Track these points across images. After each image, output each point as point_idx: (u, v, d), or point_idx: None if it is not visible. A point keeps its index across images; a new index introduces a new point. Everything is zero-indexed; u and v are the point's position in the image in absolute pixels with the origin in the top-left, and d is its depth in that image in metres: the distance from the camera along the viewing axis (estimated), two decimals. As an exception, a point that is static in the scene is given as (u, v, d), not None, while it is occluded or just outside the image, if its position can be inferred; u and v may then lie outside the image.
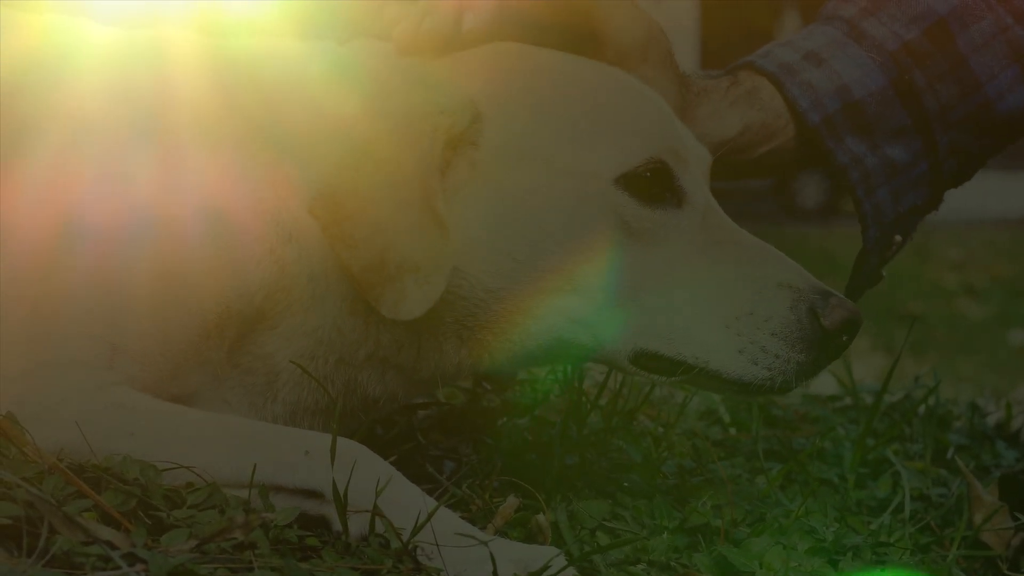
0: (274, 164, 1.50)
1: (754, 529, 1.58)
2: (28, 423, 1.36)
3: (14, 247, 1.44)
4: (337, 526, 1.34)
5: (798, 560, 1.50)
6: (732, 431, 2.11)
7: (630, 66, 1.61)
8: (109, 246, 1.44)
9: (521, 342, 1.53)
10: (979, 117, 1.78)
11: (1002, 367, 5.21)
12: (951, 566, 1.59)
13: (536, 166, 1.50)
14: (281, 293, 1.50)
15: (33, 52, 1.57)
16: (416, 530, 1.31)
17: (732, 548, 1.50)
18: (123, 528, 1.27)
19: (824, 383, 2.43)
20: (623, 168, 1.50)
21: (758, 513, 1.64)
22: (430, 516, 1.31)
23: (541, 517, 1.49)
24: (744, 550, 1.50)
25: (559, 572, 1.30)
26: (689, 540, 1.55)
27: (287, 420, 1.55)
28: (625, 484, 1.69)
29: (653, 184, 1.51)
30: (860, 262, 1.82)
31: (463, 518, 1.38)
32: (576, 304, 1.50)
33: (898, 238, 1.82)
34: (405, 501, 1.35)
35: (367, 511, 1.33)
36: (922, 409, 2.18)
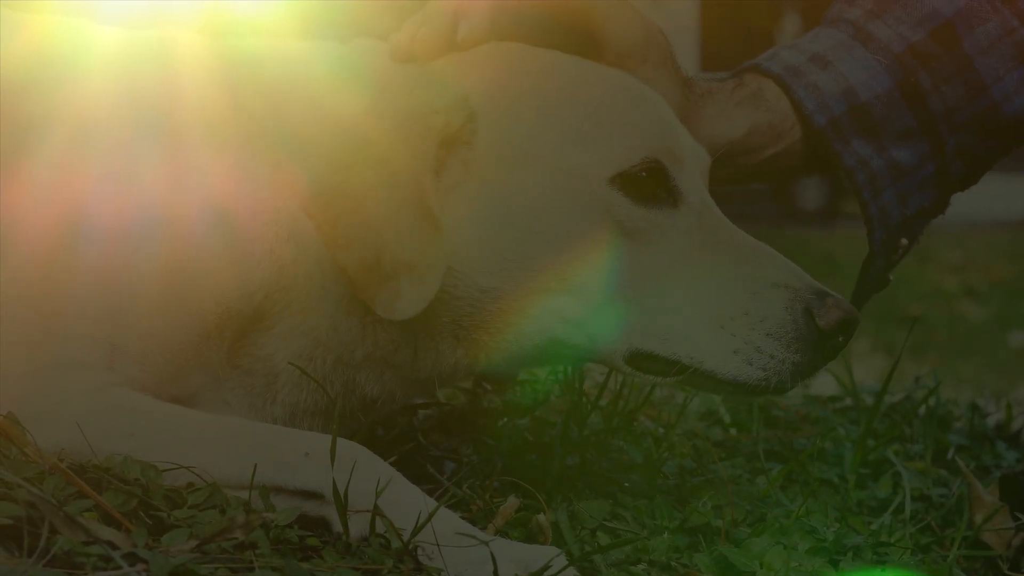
0: (274, 164, 1.50)
1: (755, 529, 1.58)
2: (29, 423, 1.36)
3: (17, 247, 1.44)
4: (337, 527, 1.35)
5: (799, 560, 1.50)
6: (733, 432, 2.11)
7: (630, 67, 1.61)
8: (111, 247, 1.44)
9: (517, 342, 1.53)
10: (985, 119, 1.77)
11: (1002, 368, 5.21)
12: (951, 566, 1.59)
13: (530, 165, 1.50)
14: (280, 293, 1.50)
15: (37, 52, 1.58)
16: (417, 530, 1.31)
17: (733, 548, 1.50)
18: (124, 528, 1.27)
19: (825, 384, 2.43)
20: (618, 168, 1.50)
21: (759, 513, 1.64)
22: (431, 516, 1.31)
23: (542, 517, 1.49)
24: (745, 550, 1.50)
25: (560, 572, 1.30)
26: (690, 540, 1.55)
27: (286, 421, 1.55)
28: (626, 484, 1.69)
29: (648, 184, 1.51)
30: (867, 266, 1.81)
31: (464, 518, 1.38)
32: (571, 304, 1.50)
33: (904, 241, 1.81)
34: (405, 502, 1.35)
35: (367, 511, 1.33)
36: (922, 410, 2.19)
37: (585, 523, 1.55)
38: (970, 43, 1.75)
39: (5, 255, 1.44)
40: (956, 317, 6.83)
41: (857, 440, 1.96)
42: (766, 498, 1.73)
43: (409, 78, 1.55)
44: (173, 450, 1.38)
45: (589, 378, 1.94)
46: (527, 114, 1.52)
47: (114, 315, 1.44)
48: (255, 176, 1.50)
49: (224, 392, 1.52)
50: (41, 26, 1.63)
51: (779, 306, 1.49)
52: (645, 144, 1.51)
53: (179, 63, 1.57)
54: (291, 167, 1.49)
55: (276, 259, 1.50)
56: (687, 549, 1.53)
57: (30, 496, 1.23)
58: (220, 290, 1.48)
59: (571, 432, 1.81)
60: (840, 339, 1.50)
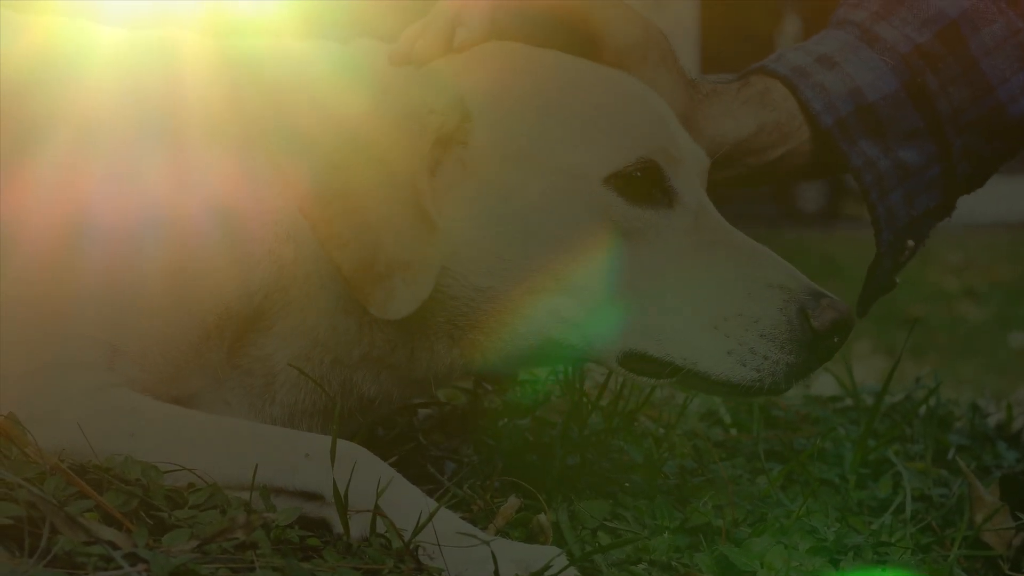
0: (274, 163, 1.50)
1: (755, 529, 1.58)
2: (30, 424, 1.37)
3: (18, 248, 1.44)
4: (338, 528, 1.35)
5: (799, 560, 1.50)
6: (733, 432, 2.11)
7: (629, 67, 1.61)
8: (112, 247, 1.45)
9: (512, 342, 1.53)
10: (991, 120, 1.77)
11: (1002, 369, 5.21)
12: (952, 566, 1.59)
13: (525, 165, 1.49)
14: (279, 293, 1.50)
15: (39, 53, 1.58)
16: (418, 530, 1.31)
17: (733, 548, 1.50)
18: (125, 528, 1.27)
19: (825, 384, 2.43)
20: (613, 168, 1.50)
21: (759, 513, 1.64)
22: (431, 516, 1.31)
23: (542, 517, 1.49)
24: (745, 550, 1.50)
25: (560, 572, 1.30)
26: (690, 540, 1.55)
27: (285, 422, 1.55)
28: (626, 484, 1.69)
29: (644, 184, 1.51)
30: (874, 268, 1.81)
31: (464, 518, 1.38)
32: (565, 304, 1.50)
33: (911, 243, 1.81)
34: (406, 502, 1.35)
35: (368, 511, 1.33)
36: (923, 410, 2.19)
37: (586, 523, 1.56)
38: (976, 44, 1.75)
39: (6, 255, 1.44)
40: (957, 318, 6.83)
41: (858, 440, 1.96)
42: (767, 498, 1.74)
43: (406, 78, 1.55)
44: (173, 451, 1.38)
45: (589, 378, 1.94)
46: (523, 114, 1.51)
47: (115, 316, 1.44)
48: (255, 176, 1.50)
49: (224, 392, 1.53)
50: (43, 27, 1.63)
51: (774, 307, 1.48)
52: (641, 144, 1.51)
53: (180, 63, 1.57)
54: (289, 166, 1.49)
55: (276, 259, 1.50)
56: (688, 549, 1.53)
57: (31, 496, 1.23)
58: (220, 290, 1.48)
59: (572, 432, 1.81)
60: (835, 340, 1.49)
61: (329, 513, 1.36)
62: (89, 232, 1.45)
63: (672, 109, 1.61)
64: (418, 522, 1.31)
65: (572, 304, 1.49)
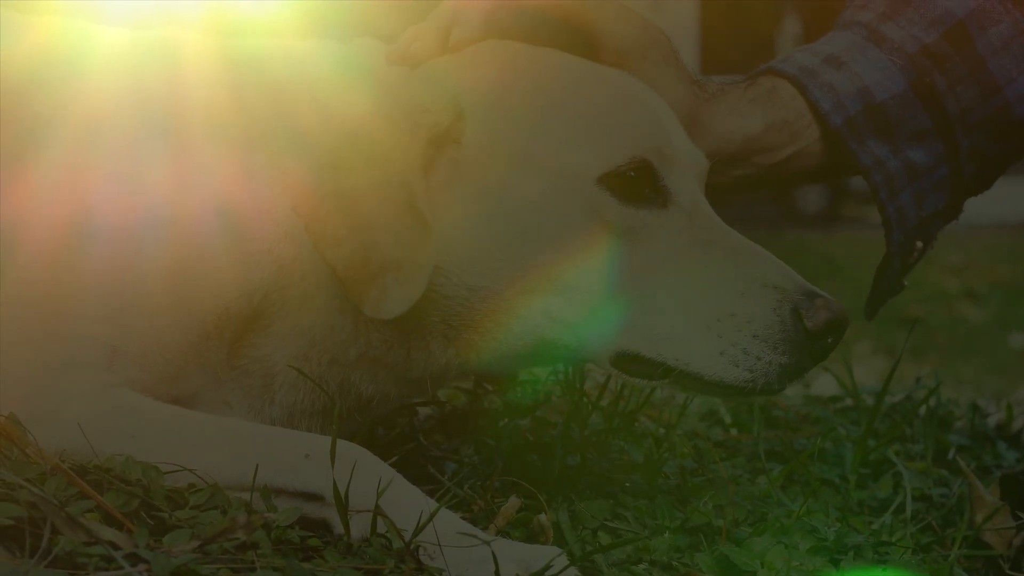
0: (273, 162, 1.50)
1: (756, 529, 1.58)
2: (30, 424, 1.37)
3: (20, 248, 1.44)
4: (338, 529, 1.35)
5: (800, 559, 1.50)
6: (733, 432, 2.11)
7: (630, 66, 1.60)
8: (113, 248, 1.45)
9: (506, 341, 1.52)
10: (998, 120, 1.77)
11: (1002, 369, 5.20)
12: (952, 565, 1.59)
13: (518, 164, 1.49)
14: (278, 292, 1.51)
15: (42, 54, 1.58)
16: (418, 530, 1.31)
17: (734, 547, 1.50)
18: (125, 529, 1.27)
19: (825, 384, 2.43)
20: (605, 167, 1.49)
21: (760, 513, 1.64)
22: (432, 516, 1.32)
23: (543, 517, 1.49)
24: (746, 549, 1.50)
25: (561, 572, 1.30)
26: (691, 540, 1.55)
27: (284, 422, 1.55)
28: (627, 484, 1.69)
29: (637, 184, 1.50)
30: (882, 269, 1.80)
31: (465, 519, 1.38)
32: (558, 304, 1.49)
33: (920, 244, 1.81)
34: (406, 502, 1.35)
35: (368, 511, 1.33)
36: (923, 410, 2.19)
37: (586, 523, 1.56)
38: (983, 44, 1.75)
39: (7, 256, 1.44)
40: (957, 318, 6.83)
41: (858, 440, 1.97)
42: (767, 498, 1.74)
43: (402, 77, 1.55)
44: (173, 451, 1.38)
45: (590, 378, 1.94)
46: (516, 113, 1.51)
47: (115, 316, 1.44)
48: (255, 175, 1.50)
49: (225, 393, 1.53)
50: (45, 27, 1.63)
51: (767, 307, 1.47)
52: (634, 143, 1.51)
53: (180, 63, 1.57)
54: (287, 166, 1.49)
55: (275, 259, 1.50)
56: (688, 549, 1.53)
57: (32, 497, 1.23)
58: (220, 290, 1.48)
59: (572, 432, 1.81)
60: (830, 340, 1.49)
61: (329, 514, 1.36)
62: (90, 232, 1.45)
63: (676, 107, 1.61)
64: (419, 522, 1.31)
65: (565, 304, 1.49)
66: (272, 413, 1.55)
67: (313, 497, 1.37)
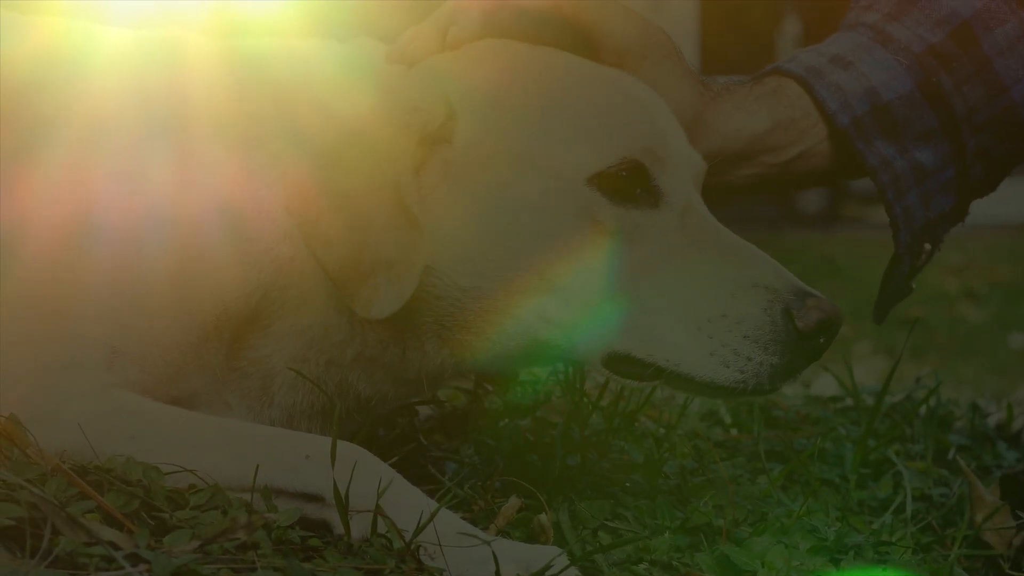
0: (272, 162, 1.50)
1: (756, 528, 1.58)
2: (31, 425, 1.37)
3: (21, 250, 1.44)
4: (339, 530, 1.35)
5: (800, 559, 1.50)
6: (734, 432, 2.11)
7: (629, 65, 1.60)
8: (114, 249, 1.45)
9: (500, 342, 1.52)
10: (1004, 120, 1.77)
11: (1002, 369, 5.20)
12: (952, 565, 1.59)
13: (509, 164, 1.49)
14: (276, 292, 1.50)
15: (44, 54, 1.58)
16: (419, 530, 1.31)
17: (734, 547, 1.50)
18: (126, 529, 1.27)
19: (825, 384, 2.43)
20: (596, 167, 1.49)
21: (760, 513, 1.64)
22: (432, 516, 1.32)
23: (543, 517, 1.49)
24: (746, 549, 1.50)
25: (561, 572, 1.30)
26: (691, 540, 1.55)
27: (284, 424, 1.55)
28: (627, 484, 1.69)
29: (628, 184, 1.50)
30: (890, 272, 1.80)
31: (465, 519, 1.38)
32: (549, 304, 1.49)
33: (927, 246, 1.81)
34: (406, 503, 1.35)
35: (369, 511, 1.33)
36: (923, 410, 2.19)
37: (586, 523, 1.56)
38: (989, 44, 1.75)
39: (9, 257, 1.44)
40: (957, 319, 6.82)
41: (858, 440, 1.97)
42: (767, 498, 1.74)
43: (397, 77, 1.55)
44: (174, 452, 1.38)
45: (590, 379, 1.94)
46: (507, 112, 1.51)
47: (115, 317, 1.45)
48: (254, 175, 1.50)
49: (225, 394, 1.53)
50: (47, 28, 1.63)
51: (757, 307, 1.47)
52: (625, 144, 1.50)
53: (180, 63, 1.57)
54: (282, 165, 1.49)
55: (274, 258, 1.50)
56: (688, 548, 1.53)
57: (32, 497, 1.23)
58: (220, 290, 1.48)
59: (572, 432, 1.81)
60: (822, 340, 1.48)
61: (330, 514, 1.36)
62: (91, 233, 1.45)
63: (680, 106, 1.60)
64: (419, 522, 1.31)
65: (557, 304, 1.49)
66: (271, 415, 1.55)
67: (313, 498, 1.37)
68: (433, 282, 1.49)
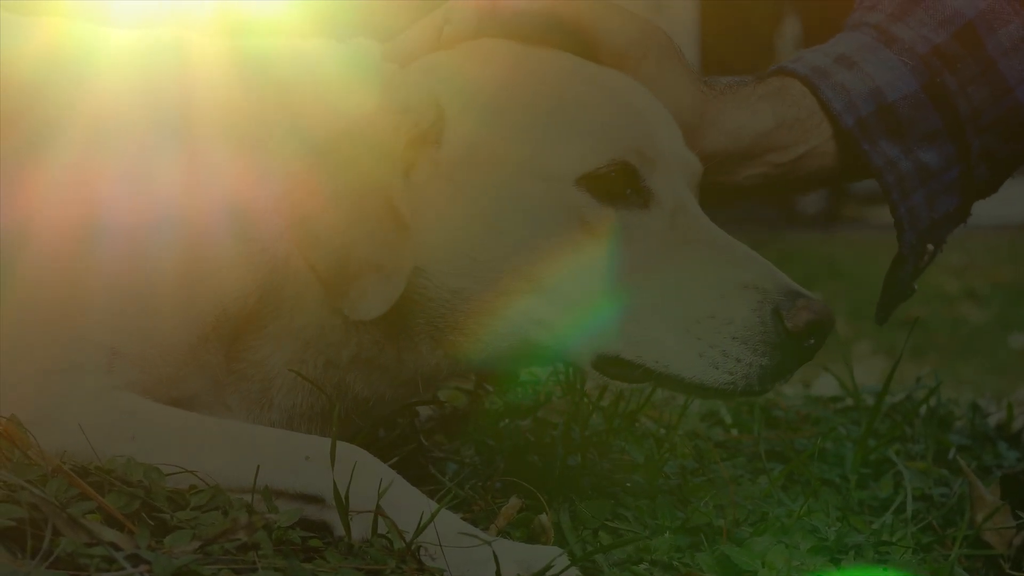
0: (269, 161, 1.50)
1: (756, 528, 1.58)
2: (31, 426, 1.37)
3: (22, 252, 1.44)
4: (339, 531, 1.35)
5: (800, 559, 1.50)
6: (734, 432, 2.11)
7: (628, 66, 1.60)
8: (115, 250, 1.45)
9: (492, 343, 1.51)
10: (1008, 121, 1.77)
11: (1002, 369, 5.20)
12: (953, 565, 1.59)
13: (498, 166, 1.49)
14: (273, 293, 1.50)
15: (47, 55, 1.58)
16: (419, 530, 1.31)
17: (734, 547, 1.50)
18: (127, 530, 1.28)
19: (826, 385, 2.43)
20: (585, 168, 1.48)
21: (760, 513, 1.64)
22: (433, 517, 1.32)
23: (543, 517, 1.49)
24: (746, 549, 1.50)
25: (562, 572, 1.30)
26: (691, 540, 1.55)
27: (284, 426, 1.55)
28: (627, 484, 1.69)
29: (617, 185, 1.49)
30: (893, 273, 1.80)
31: (465, 519, 1.38)
32: (539, 305, 1.48)
33: (931, 247, 1.81)
34: (407, 503, 1.35)
35: (369, 511, 1.33)
36: (923, 410, 2.19)
37: (587, 523, 1.56)
38: (992, 45, 1.75)
39: (10, 259, 1.44)
40: (957, 319, 6.82)
41: (858, 440, 1.97)
42: (768, 498, 1.74)
43: (391, 77, 1.55)
44: (174, 453, 1.38)
45: (591, 379, 1.94)
46: (496, 114, 1.50)
47: (116, 318, 1.45)
48: (254, 174, 1.50)
49: (226, 396, 1.53)
50: (50, 29, 1.63)
51: (747, 308, 1.45)
52: (614, 145, 1.49)
53: (181, 63, 1.57)
54: (276, 164, 1.49)
55: (270, 258, 1.50)
56: (689, 549, 1.53)
57: (33, 498, 1.23)
58: (219, 291, 1.48)
59: (573, 433, 1.81)
60: (812, 341, 1.46)
61: (330, 516, 1.36)
62: (93, 235, 1.45)
63: (681, 105, 1.60)
64: (419, 523, 1.32)
65: (546, 305, 1.48)
66: (271, 417, 1.54)
67: (314, 499, 1.37)
68: (424, 284, 1.49)
